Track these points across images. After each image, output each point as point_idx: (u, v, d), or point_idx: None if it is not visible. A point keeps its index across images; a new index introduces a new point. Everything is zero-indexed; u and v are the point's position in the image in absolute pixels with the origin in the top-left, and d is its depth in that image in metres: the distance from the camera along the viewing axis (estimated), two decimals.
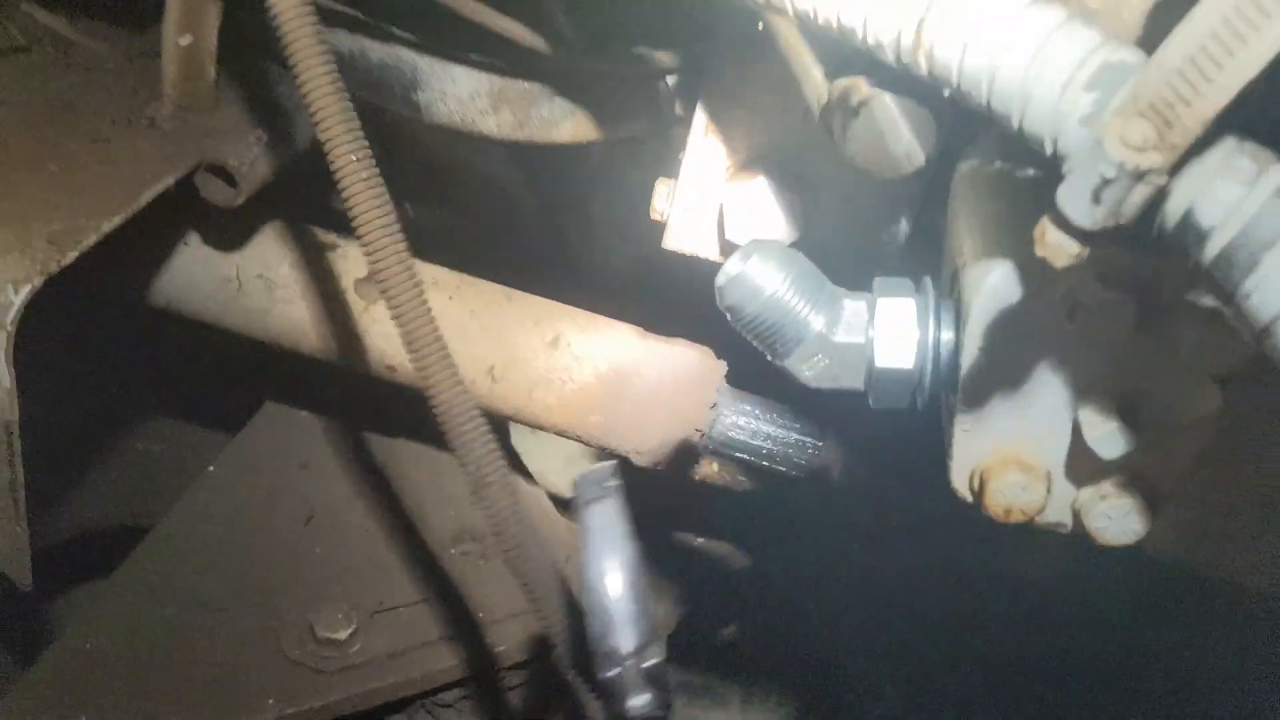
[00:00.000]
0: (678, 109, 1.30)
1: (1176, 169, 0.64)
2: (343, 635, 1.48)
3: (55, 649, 1.46)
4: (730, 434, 1.48)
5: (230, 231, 1.45)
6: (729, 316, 0.93)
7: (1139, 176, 0.62)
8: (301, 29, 0.93)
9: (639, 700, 0.85)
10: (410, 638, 1.54)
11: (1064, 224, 0.66)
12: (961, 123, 1.02)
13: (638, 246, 1.43)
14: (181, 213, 1.41)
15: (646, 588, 0.89)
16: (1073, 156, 0.66)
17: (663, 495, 1.62)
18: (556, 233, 1.80)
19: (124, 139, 1.29)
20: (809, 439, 1.47)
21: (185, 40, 1.28)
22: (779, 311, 0.91)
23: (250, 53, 1.39)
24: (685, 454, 1.50)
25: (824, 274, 0.99)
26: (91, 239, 1.15)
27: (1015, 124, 0.72)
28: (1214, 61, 0.59)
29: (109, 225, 1.16)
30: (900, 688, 1.75)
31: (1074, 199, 0.64)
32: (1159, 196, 0.65)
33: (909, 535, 1.56)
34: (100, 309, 1.52)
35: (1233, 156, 0.65)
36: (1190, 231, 0.66)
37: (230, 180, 1.30)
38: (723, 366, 1.48)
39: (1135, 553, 0.99)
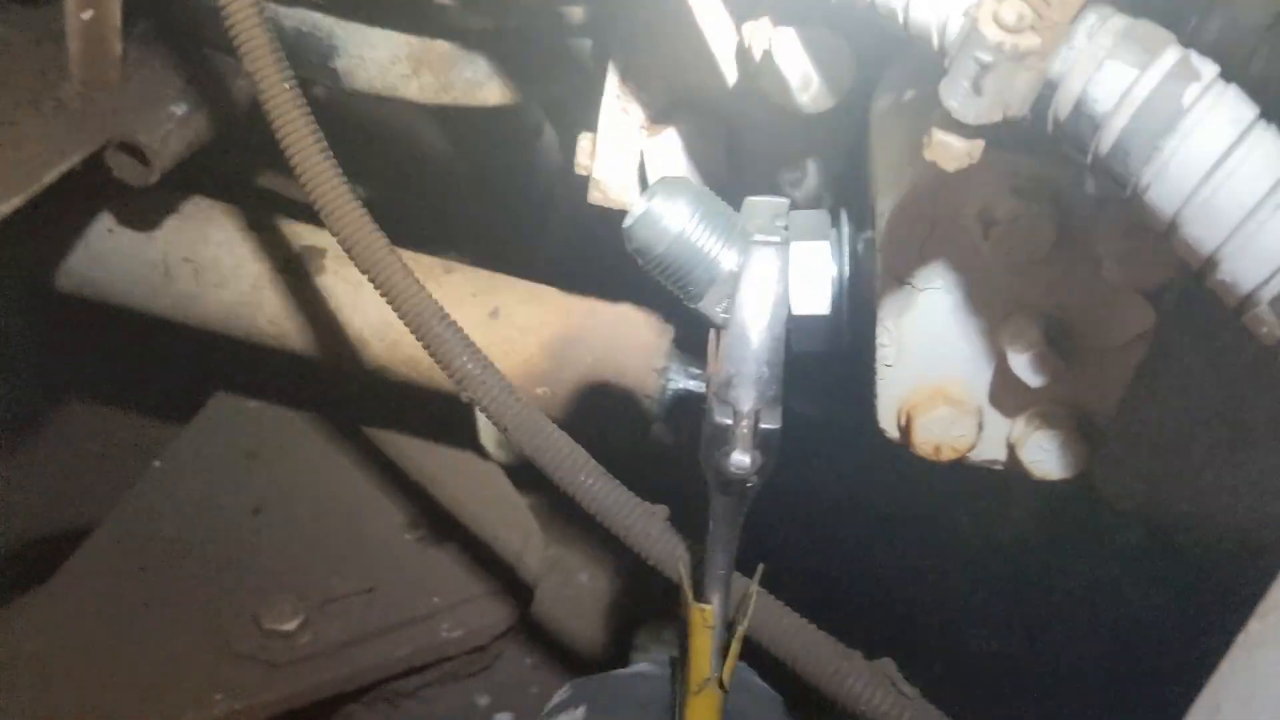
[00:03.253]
0: (591, 61, 1.25)
1: (1060, 52, 0.59)
2: (291, 626, 1.44)
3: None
4: (680, 397, 1.43)
5: (153, 213, 1.41)
6: (638, 260, 0.89)
7: (1018, 59, 0.57)
8: None
9: (741, 459, 0.80)
10: (363, 626, 1.49)
11: (948, 121, 0.61)
12: (883, 54, 0.98)
13: (575, 207, 1.38)
14: (99, 196, 1.37)
15: (783, 360, 0.84)
16: (952, 47, 0.61)
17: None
18: (494, 200, 1.75)
19: (30, 120, 1.24)
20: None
21: (87, 15, 1.23)
22: (688, 251, 0.86)
23: (161, 24, 1.34)
24: (636, 421, 1.45)
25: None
26: None
27: (901, 20, 0.67)
28: None
29: (7, 207, 1.12)
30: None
31: (956, 92, 0.60)
32: (1048, 86, 0.61)
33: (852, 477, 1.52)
34: (26, 301, 1.48)
35: (1122, 38, 0.60)
36: (1084, 121, 0.61)
37: (142, 158, 1.26)
38: (670, 330, 1.43)
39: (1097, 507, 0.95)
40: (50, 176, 1.18)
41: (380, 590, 1.53)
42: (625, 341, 1.43)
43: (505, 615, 1.56)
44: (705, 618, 0.87)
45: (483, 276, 1.46)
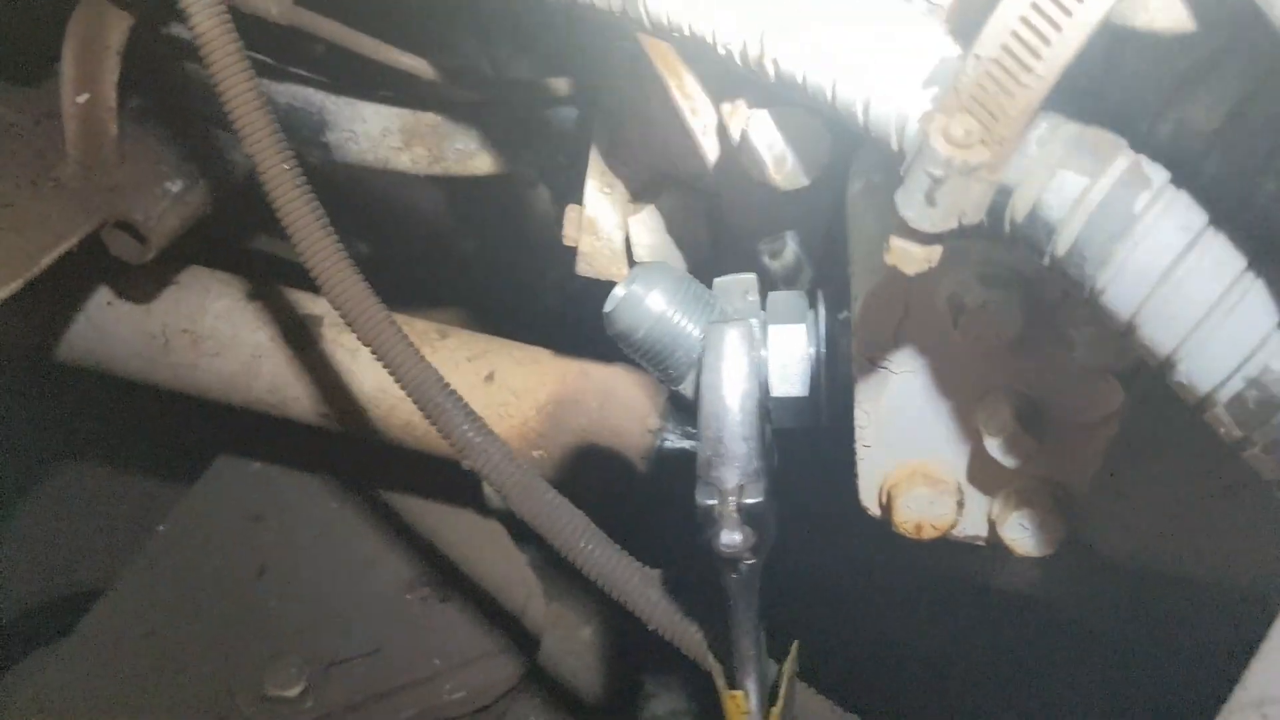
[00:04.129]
0: (576, 133, 1.27)
1: (1014, 160, 0.61)
2: (293, 693, 1.46)
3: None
4: (675, 458, 1.45)
5: (151, 285, 1.43)
6: (620, 344, 0.90)
7: (967, 173, 0.58)
8: (227, 52, 0.92)
9: (731, 537, 0.81)
10: (366, 689, 1.51)
11: (905, 230, 0.62)
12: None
13: (568, 272, 1.40)
14: (98, 271, 1.39)
15: (764, 431, 0.85)
16: (907, 157, 0.62)
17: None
18: (492, 263, 1.77)
19: (28, 202, 1.27)
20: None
21: (82, 98, 1.26)
22: (667, 335, 0.88)
23: (157, 104, 1.36)
24: (631, 481, 1.46)
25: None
26: None
27: (861, 123, 0.69)
28: (1028, 48, 0.55)
29: (5, 292, 1.14)
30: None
31: (911, 203, 0.61)
32: (1002, 192, 0.62)
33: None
34: (28, 370, 1.50)
35: (1074, 146, 0.61)
36: (1040, 227, 0.62)
37: (139, 236, 1.28)
38: (663, 390, 1.44)
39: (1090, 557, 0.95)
40: (48, 259, 1.20)
41: (384, 652, 1.55)
42: (619, 402, 1.44)
43: (508, 674, 1.57)
44: (739, 705, 0.87)
45: (478, 340, 1.48)
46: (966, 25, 0.70)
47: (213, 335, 1.43)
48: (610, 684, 1.68)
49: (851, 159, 0.98)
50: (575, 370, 1.45)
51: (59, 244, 1.22)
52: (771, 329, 0.89)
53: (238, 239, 1.60)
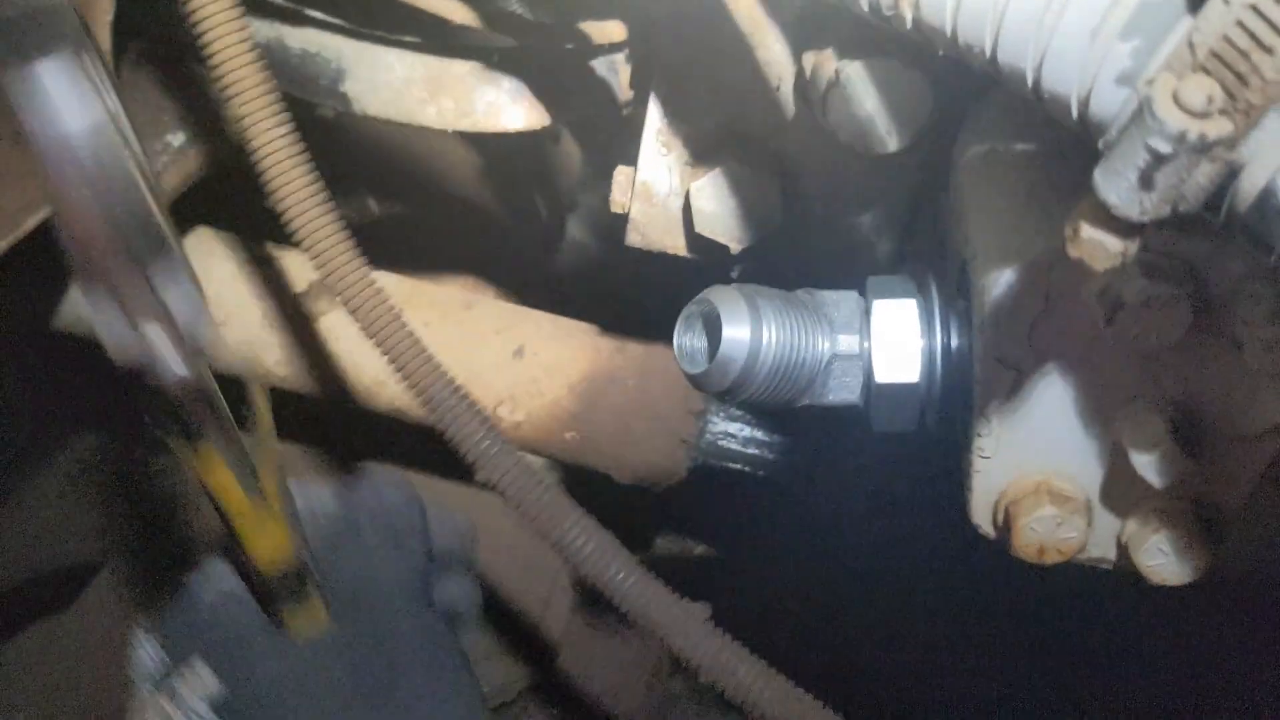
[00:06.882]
0: (630, 88, 1.14)
1: (1248, 135, 0.49)
2: None
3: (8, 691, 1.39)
4: (720, 443, 1.33)
5: None
6: (724, 400, 0.78)
7: (1203, 150, 0.46)
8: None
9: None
10: None
11: (1103, 216, 0.50)
12: (966, 87, 0.87)
13: (608, 241, 1.28)
14: None
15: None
16: (1111, 127, 0.50)
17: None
18: (525, 227, 1.65)
19: (9, 159, 1.14)
20: (805, 444, 1.32)
21: None
22: (783, 368, 0.76)
23: (153, 54, 1.23)
24: (671, 467, 1.35)
25: (809, 273, 0.84)
26: None
27: (1029, 84, 0.56)
28: None
29: None
30: (906, 674, 1.62)
31: (1116, 183, 0.49)
32: (1228, 173, 0.50)
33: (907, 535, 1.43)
34: (23, 338, 1.39)
35: None
36: (1272, 215, 0.50)
37: None
38: None
39: None
40: (33, 220, 1.08)
41: None
42: (659, 381, 1.32)
43: (526, 672, 1.47)
44: None
45: (506, 311, 1.36)
46: None
47: (217, 303, 1.31)
48: (630, 688, 1.57)
49: (960, 120, 0.86)
50: (611, 345, 1.33)
51: (43, 206, 1.09)
52: (876, 304, 0.77)
53: (248, 198, 1.48)
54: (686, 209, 1.02)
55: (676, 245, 1.07)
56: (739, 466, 1.35)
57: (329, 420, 1.60)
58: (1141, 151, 0.47)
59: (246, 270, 1.32)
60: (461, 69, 1.20)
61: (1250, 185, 0.50)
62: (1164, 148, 0.46)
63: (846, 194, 1.01)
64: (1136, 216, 0.49)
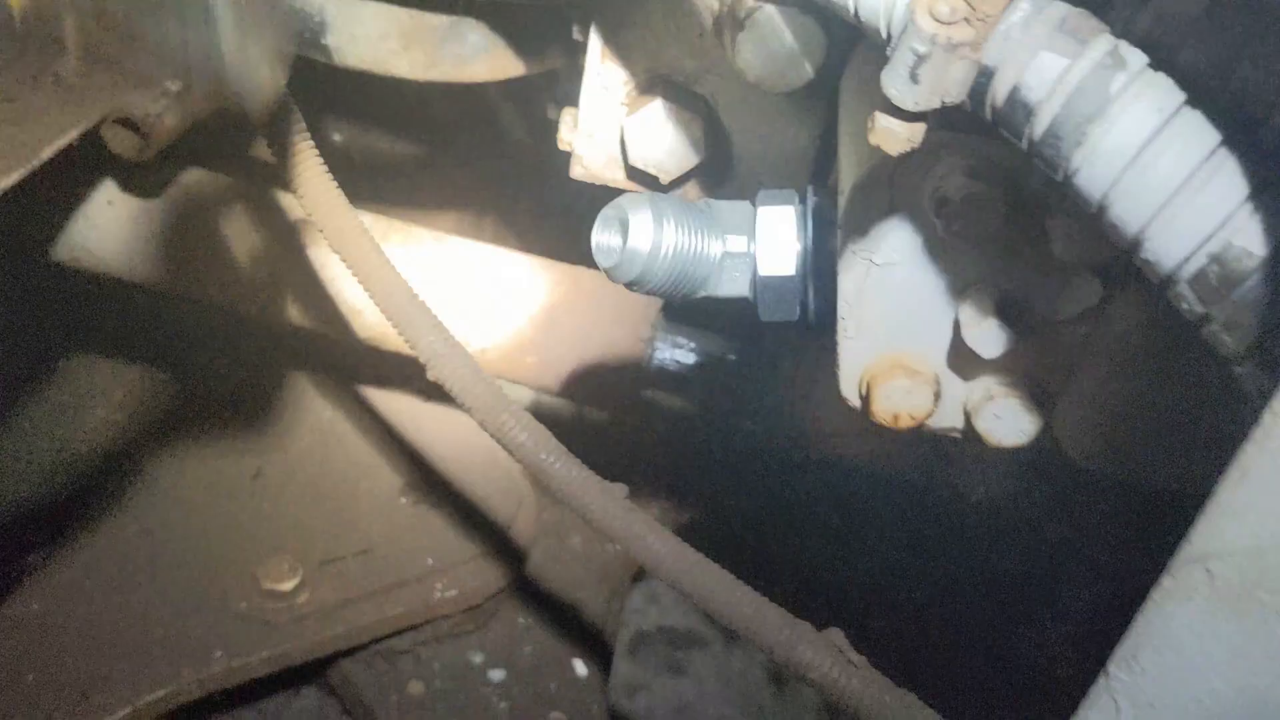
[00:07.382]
0: (578, 35, 1.28)
1: (996, 41, 0.63)
2: (288, 586, 1.49)
3: (2, 615, 1.47)
4: (666, 366, 1.47)
5: (153, 186, 1.44)
6: (632, 289, 0.90)
7: (951, 49, 0.60)
8: None
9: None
10: (360, 586, 1.54)
11: (890, 107, 0.64)
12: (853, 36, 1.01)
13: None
14: (98, 172, 1.40)
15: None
16: (893, 37, 0.64)
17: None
18: (493, 170, 1.78)
19: (29, 96, 1.27)
20: (747, 363, 1.46)
21: None
22: (680, 262, 0.89)
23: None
24: (624, 390, 1.49)
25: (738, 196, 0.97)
26: None
27: (851, 13, 0.70)
28: None
29: (5, 182, 1.15)
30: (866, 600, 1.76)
31: (895, 79, 0.63)
32: (984, 74, 0.64)
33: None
34: (24, 270, 1.51)
35: (1056, 28, 0.63)
36: (1019, 109, 0.64)
37: (139, 132, 1.29)
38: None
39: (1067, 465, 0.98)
40: (48, 152, 1.21)
41: (376, 552, 1.58)
42: (612, 310, 1.46)
43: (498, 576, 1.61)
44: None
45: (471, 246, 1.49)
46: None
47: (211, 238, 1.45)
48: (597, 591, 1.72)
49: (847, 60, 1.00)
50: (567, 276, 1.47)
51: (59, 138, 1.22)
52: (760, 210, 0.91)
53: (242, 143, 1.60)
54: (622, 143, 1.16)
55: (616, 178, 1.21)
56: (684, 390, 1.49)
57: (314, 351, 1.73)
58: (909, 53, 0.61)
59: (238, 209, 1.46)
60: (432, 21, 1.34)
61: (1003, 84, 0.64)
62: (921, 48, 0.60)
63: (761, 128, 1.15)
64: (910, 106, 0.63)
